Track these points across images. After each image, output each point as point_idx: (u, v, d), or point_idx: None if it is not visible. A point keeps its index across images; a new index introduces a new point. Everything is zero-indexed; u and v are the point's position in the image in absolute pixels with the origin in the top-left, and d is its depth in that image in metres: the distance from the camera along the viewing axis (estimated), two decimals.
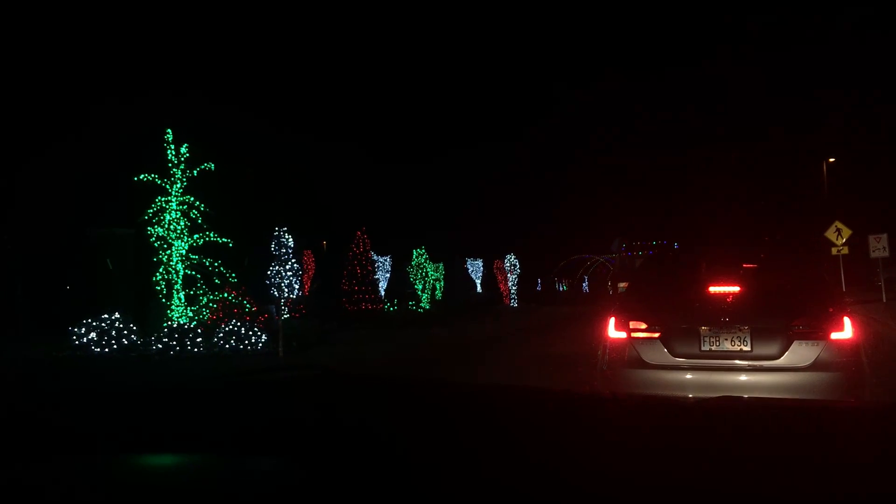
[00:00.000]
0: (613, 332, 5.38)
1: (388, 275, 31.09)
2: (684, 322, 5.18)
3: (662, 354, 5.13)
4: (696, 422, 1.60)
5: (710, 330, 5.06)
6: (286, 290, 17.07)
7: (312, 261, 29.91)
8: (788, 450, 1.31)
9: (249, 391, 2.09)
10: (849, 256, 23.40)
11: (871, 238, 22.20)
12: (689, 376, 5.06)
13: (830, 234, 23.26)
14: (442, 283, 34.58)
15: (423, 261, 29.45)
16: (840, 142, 40.77)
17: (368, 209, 38.68)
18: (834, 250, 23.07)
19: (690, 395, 4.68)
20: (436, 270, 33.51)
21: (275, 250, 16.34)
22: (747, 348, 4.97)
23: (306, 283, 27.93)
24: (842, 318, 4.99)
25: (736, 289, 5.29)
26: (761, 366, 4.93)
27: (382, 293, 29.78)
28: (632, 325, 5.29)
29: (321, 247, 35.07)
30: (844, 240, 22.98)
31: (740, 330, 5.00)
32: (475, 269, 40.53)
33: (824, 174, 31.79)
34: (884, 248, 21.84)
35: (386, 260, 31.08)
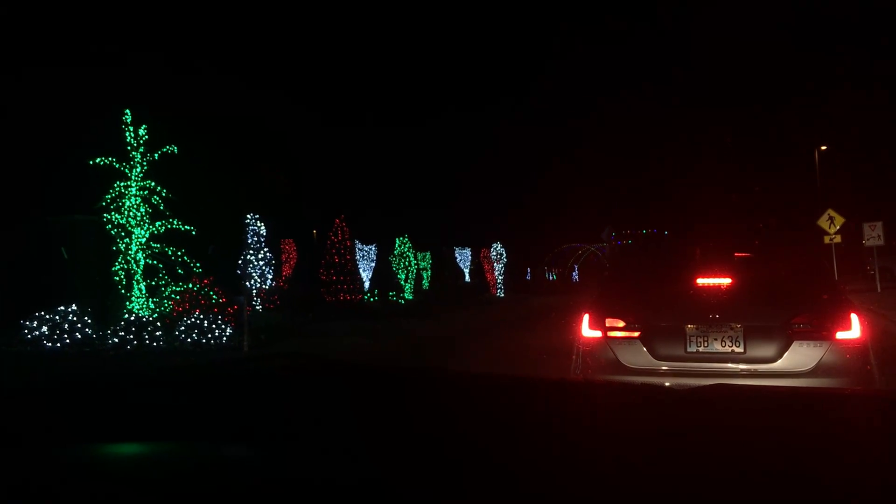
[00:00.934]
0: (587, 330, 4.71)
1: (373, 264, 30.32)
2: (668, 319, 4.53)
3: (643, 356, 4.47)
4: (692, 411, 1.56)
5: (697, 328, 4.41)
6: (258, 280, 16.37)
7: (294, 250, 29.05)
8: (787, 438, 1.30)
9: (194, 387, 1.97)
10: (839, 244, 22.89)
11: (866, 226, 21.68)
12: (670, 383, 4.40)
13: (823, 222, 22.73)
14: (429, 272, 33.87)
15: (406, 249, 28.68)
16: (834, 129, 40.26)
17: (356, 198, 37.89)
18: (826, 239, 22.55)
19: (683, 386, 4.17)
20: (423, 259, 32.80)
21: (247, 238, 15.57)
22: (740, 349, 4.33)
23: (284, 273, 27.08)
24: (848, 314, 4.34)
25: (727, 281, 4.63)
26: (756, 370, 4.28)
27: (367, 283, 29.02)
28: (608, 322, 4.62)
29: (312, 235, 34.30)
30: (837, 228, 22.44)
31: (732, 328, 4.35)
32: (463, 258, 39.86)
33: (816, 162, 31.31)
34: (878, 236, 21.31)
35: (371, 249, 30.29)
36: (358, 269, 28.47)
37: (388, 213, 37.13)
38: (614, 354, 4.54)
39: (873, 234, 21.50)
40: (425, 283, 33.07)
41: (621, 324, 4.58)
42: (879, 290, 21.33)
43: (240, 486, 1.09)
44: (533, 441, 1.30)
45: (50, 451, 1.27)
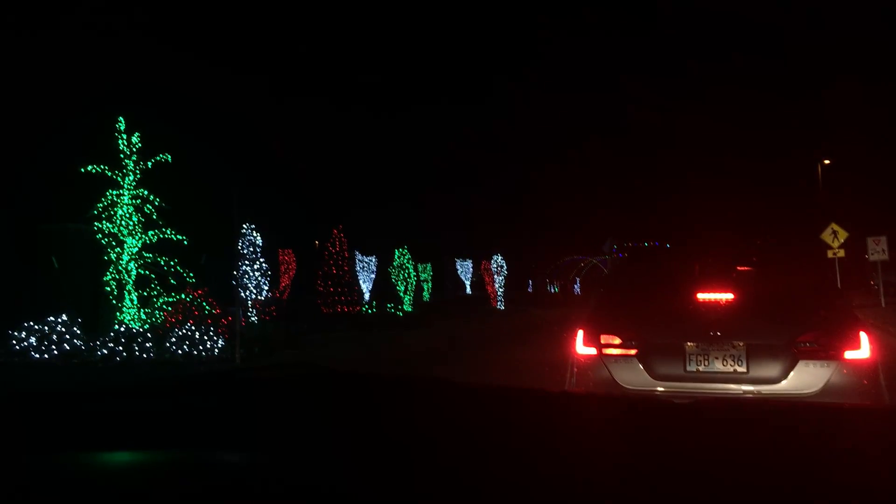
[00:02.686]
0: (582, 347, 4.48)
1: (373, 276, 30.08)
2: (666, 336, 4.29)
3: (640, 376, 4.23)
4: (695, 424, 1.52)
5: (697, 346, 4.17)
6: (254, 290, 16.18)
7: (294, 260, 28.82)
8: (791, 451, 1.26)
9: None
10: (842, 258, 22.61)
11: (870, 240, 21.42)
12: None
13: (826, 236, 22.47)
14: (430, 283, 33.62)
15: (405, 261, 28.44)
16: (837, 143, 40.12)
17: (355, 209, 37.69)
18: (830, 253, 22.28)
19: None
20: (423, 271, 32.55)
21: (242, 248, 15.35)
22: (742, 369, 4.09)
23: (282, 285, 26.82)
24: (857, 332, 4.10)
25: (729, 296, 4.39)
26: (759, 392, 4.04)
27: (367, 294, 28.79)
28: (603, 339, 4.39)
29: (313, 246, 34.11)
30: (841, 242, 22.18)
31: (734, 346, 4.11)
32: (465, 269, 39.62)
33: (819, 176, 31.09)
34: (883, 250, 21.04)
35: (371, 260, 30.06)
36: (357, 279, 28.25)
37: (389, 224, 36.91)
38: (609, 373, 4.30)
39: (878, 249, 21.23)
40: (426, 295, 32.82)
41: (617, 341, 4.35)
42: (884, 304, 21.06)
43: (229, 492, 1.08)
44: (514, 451, 1.28)
45: (22, 458, 1.24)
